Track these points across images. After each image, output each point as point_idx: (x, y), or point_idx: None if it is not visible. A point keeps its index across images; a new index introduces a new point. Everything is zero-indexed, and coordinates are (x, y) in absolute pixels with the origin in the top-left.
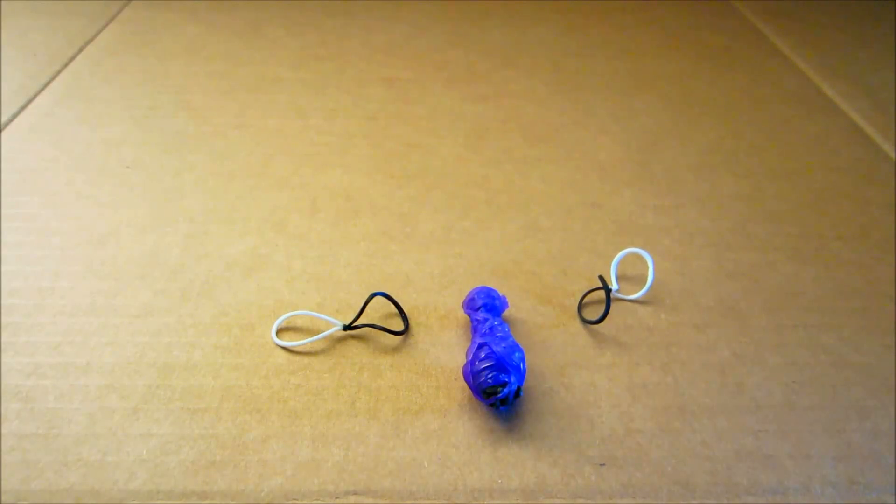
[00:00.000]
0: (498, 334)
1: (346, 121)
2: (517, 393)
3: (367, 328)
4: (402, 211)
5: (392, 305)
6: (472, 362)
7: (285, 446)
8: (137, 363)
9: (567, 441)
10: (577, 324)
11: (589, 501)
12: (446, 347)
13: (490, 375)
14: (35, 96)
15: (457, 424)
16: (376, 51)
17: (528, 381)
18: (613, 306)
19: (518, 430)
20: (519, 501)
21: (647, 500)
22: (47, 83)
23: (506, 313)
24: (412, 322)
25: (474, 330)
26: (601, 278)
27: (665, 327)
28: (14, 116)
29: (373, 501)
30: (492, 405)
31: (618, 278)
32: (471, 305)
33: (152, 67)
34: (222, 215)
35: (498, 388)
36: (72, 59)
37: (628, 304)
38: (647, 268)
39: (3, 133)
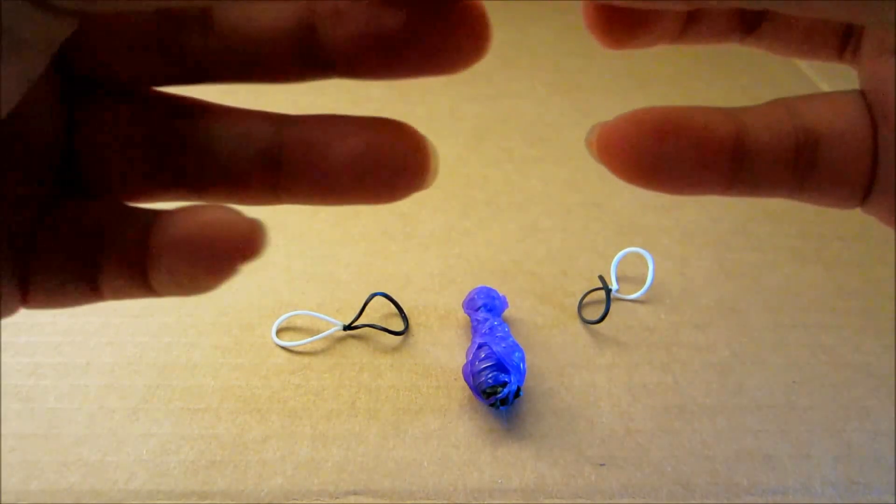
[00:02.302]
0: (498, 334)
1: None
2: (517, 393)
3: (367, 328)
4: (402, 211)
5: (392, 305)
6: (472, 362)
7: (285, 446)
8: (137, 363)
9: (567, 441)
10: (577, 324)
11: (589, 501)
12: (446, 347)
13: (490, 375)
14: None
15: (457, 424)
16: None
17: (528, 381)
18: (613, 306)
19: (518, 430)
20: (519, 501)
21: (647, 500)
22: None
23: (506, 313)
24: (412, 322)
25: (474, 330)
26: (601, 278)
27: (665, 327)
28: None
29: (373, 501)
30: (492, 405)
31: (618, 278)
32: (471, 305)
33: None
34: None
35: (498, 388)
36: None
37: (628, 304)
38: (647, 268)
39: None
